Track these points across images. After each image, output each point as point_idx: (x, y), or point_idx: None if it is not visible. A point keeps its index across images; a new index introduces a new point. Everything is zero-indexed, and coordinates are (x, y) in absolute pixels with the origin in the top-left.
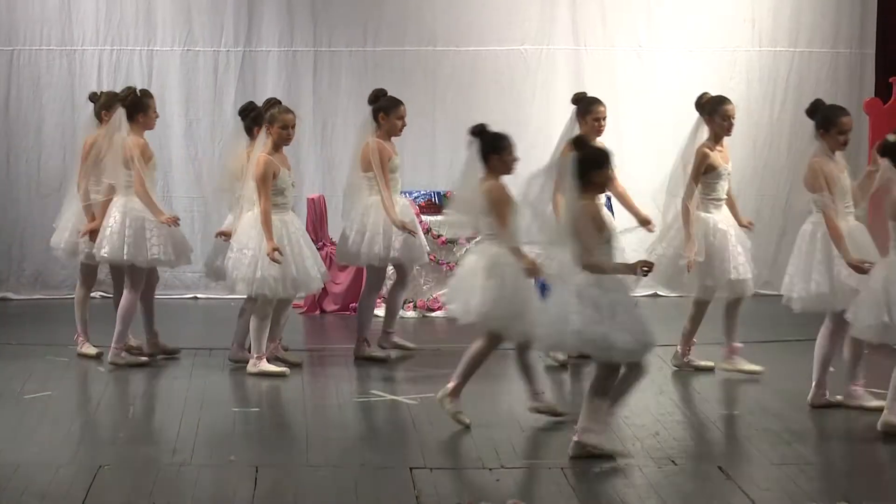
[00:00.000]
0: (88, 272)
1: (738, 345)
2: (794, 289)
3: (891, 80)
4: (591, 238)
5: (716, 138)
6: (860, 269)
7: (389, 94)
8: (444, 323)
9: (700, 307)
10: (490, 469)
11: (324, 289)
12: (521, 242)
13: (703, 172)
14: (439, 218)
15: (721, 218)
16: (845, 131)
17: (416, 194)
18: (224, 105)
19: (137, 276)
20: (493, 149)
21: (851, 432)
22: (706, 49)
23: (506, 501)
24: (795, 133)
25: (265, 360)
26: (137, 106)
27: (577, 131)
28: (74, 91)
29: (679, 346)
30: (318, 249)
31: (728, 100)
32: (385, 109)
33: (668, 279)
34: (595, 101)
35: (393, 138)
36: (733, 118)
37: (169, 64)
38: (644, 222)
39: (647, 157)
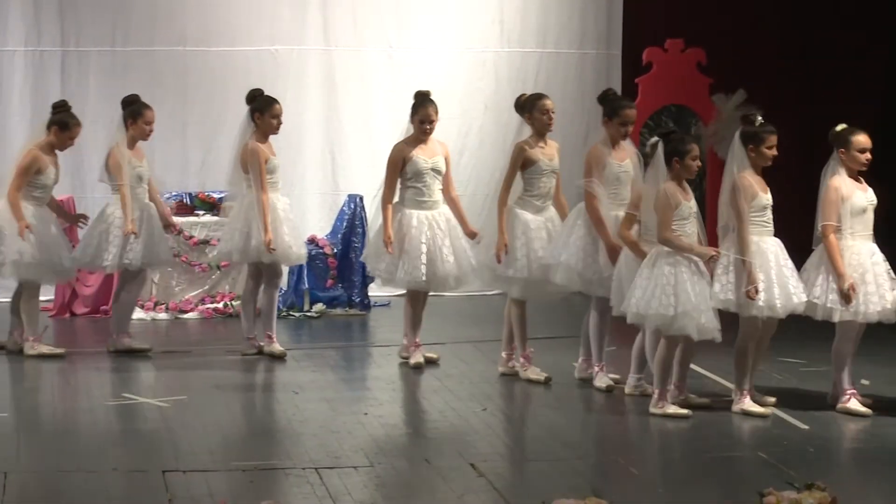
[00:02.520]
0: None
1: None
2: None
3: (636, 80)
4: (667, 216)
5: (539, 135)
6: (614, 252)
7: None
8: (197, 324)
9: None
10: (244, 471)
11: (73, 291)
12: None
13: (522, 168)
14: (191, 219)
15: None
16: (627, 122)
17: (167, 195)
18: None
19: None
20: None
21: (604, 425)
22: (455, 49)
23: (260, 503)
24: None
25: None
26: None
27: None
28: None
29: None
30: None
31: (545, 95)
32: (261, 109)
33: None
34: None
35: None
36: (553, 112)
37: None
38: (470, 235)
39: None
